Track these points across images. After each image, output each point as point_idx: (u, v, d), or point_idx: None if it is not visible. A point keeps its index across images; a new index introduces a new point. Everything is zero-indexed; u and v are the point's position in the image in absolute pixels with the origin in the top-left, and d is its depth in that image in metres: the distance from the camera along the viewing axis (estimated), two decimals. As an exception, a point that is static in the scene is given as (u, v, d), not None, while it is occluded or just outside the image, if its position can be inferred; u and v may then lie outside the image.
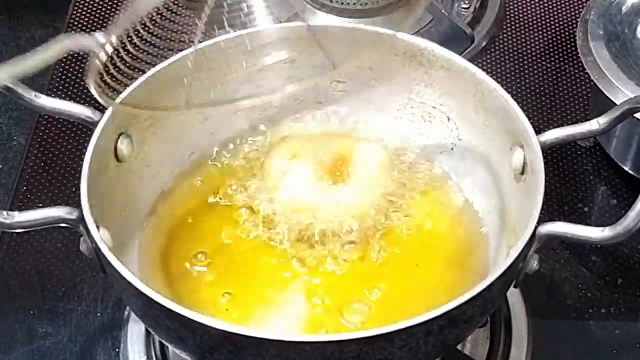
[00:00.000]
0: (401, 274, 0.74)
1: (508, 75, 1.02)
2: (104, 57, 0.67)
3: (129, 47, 0.69)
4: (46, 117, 0.97)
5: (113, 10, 1.09)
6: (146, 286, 0.63)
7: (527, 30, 1.07)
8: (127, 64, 0.70)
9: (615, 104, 0.73)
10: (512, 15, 1.09)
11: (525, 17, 1.09)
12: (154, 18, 0.70)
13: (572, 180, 0.93)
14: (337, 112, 0.83)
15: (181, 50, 0.75)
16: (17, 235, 0.87)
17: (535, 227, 0.66)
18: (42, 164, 0.94)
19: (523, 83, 1.02)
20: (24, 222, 0.68)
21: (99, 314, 0.83)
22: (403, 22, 1.01)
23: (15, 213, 0.68)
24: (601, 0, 0.93)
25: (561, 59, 1.04)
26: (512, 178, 0.74)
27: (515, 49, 1.05)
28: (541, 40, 1.06)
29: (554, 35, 1.07)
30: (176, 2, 0.73)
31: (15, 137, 0.95)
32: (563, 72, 1.03)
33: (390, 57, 0.80)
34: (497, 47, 1.05)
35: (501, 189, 0.76)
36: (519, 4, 1.10)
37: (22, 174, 0.93)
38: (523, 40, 1.06)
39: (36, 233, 0.86)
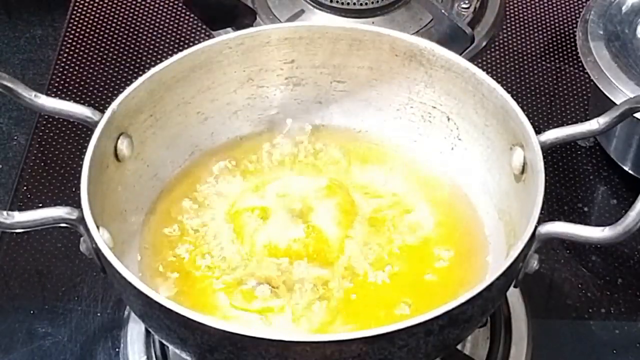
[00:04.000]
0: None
1: (508, 75, 1.02)
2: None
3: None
4: (46, 117, 0.97)
5: (113, 10, 1.09)
6: (146, 286, 0.63)
7: (527, 30, 1.07)
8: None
9: (615, 104, 0.73)
10: (512, 15, 1.09)
11: (525, 17, 1.09)
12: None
13: (572, 180, 0.93)
14: (337, 112, 0.83)
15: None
16: (17, 235, 0.87)
17: (535, 227, 0.66)
18: (42, 164, 0.94)
19: (523, 83, 1.02)
20: (24, 222, 0.68)
21: (99, 314, 0.83)
22: (403, 22, 1.01)
23: (15, 213, 0.68)
24: (601, 0, 0.93)
25: (561, 59, 1.04)
26: (512, 178, 0.74)
27: (515, 49, 1.05)
28: (541, 40, 1.06)
29: (554, 35, 1.07)
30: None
31: (15, 137, 0.95)
32: (563, 72, 1.03)
33: (390, 57, 0.80)
34: (497, 47, 1.05)
35: (501, 189, 0.76)
36: (519, 4, 1.10)
37: (22, 174, 0.93)
38: (523, 40, 1.06)
39: (36, 233, 0.86)
